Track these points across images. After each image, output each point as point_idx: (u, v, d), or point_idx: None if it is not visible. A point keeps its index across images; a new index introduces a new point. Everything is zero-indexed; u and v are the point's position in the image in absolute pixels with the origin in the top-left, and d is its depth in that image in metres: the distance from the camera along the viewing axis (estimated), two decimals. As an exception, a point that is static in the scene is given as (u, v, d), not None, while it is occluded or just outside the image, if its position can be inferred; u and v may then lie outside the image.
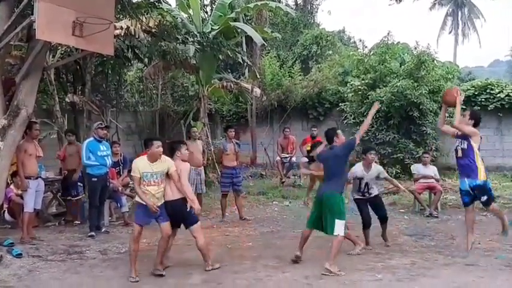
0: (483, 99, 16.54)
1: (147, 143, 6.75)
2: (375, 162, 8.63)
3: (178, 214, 6.72)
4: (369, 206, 8.41)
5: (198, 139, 11.63)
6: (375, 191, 8.44)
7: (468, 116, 7.75)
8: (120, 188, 10.15)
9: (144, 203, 6.51)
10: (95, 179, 9.17)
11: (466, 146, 7.53)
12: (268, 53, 21.56)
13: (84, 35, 6.88)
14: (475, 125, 7.71)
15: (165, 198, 6.67)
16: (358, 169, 8.31)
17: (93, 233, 8.97)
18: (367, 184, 8.31)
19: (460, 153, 7.61)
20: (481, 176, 7.47)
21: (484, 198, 7.54)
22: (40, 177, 9.08)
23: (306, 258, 7.27)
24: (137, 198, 6.68)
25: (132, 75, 18.85)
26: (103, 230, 9.36)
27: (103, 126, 9.63)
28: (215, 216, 11.01)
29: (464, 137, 7.55)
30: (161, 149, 6.65)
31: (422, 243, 8.52)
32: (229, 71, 20.11)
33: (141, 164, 6.62)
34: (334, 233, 6.72)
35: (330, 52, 23.03)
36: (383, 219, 8.43)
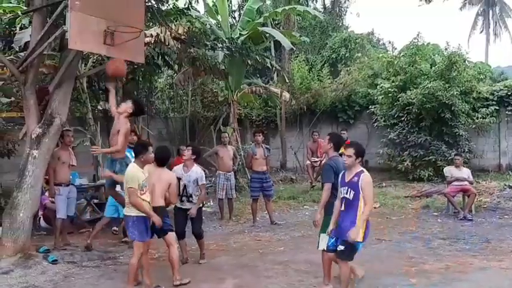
0: (516, 99, 16.20)
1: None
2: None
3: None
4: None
5: (229, 144, 11.70)
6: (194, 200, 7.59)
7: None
8: None
9: (143, 216, 6.16)
10: None
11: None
12: (297, 57, 21.54)
13: (115, 43, 6.98)
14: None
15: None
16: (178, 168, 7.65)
17: (127, 239, 9.05)
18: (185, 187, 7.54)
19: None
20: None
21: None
22: (72, 184, 9.16)
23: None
24: (133, 212, 6.19)
25: (162, 82, 19.01)
26: None
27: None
28: (246, 221, 11.04)
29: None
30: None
31: (457, 246, 8.39)
32: (258, 75, 20.14)
33: (139, 174, 6.20)
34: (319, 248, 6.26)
35: (359, 55, 22.87)
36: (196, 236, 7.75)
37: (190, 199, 7.48)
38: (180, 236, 7.34)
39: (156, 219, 6.18)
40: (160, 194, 6.56)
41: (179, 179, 7.26)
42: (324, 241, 6.06)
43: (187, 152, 7.56)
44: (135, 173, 6.15)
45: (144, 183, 6.16)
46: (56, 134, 7.72)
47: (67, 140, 8.80)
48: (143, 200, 6.11)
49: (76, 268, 7.39)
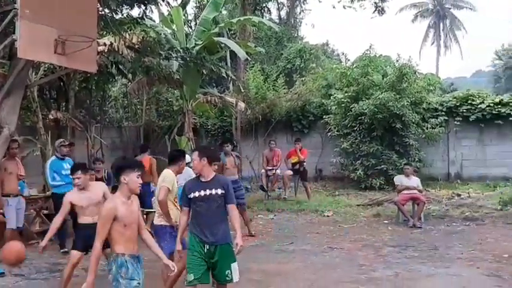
0: (464, 110, 16.72)
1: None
2: None
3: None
4: None
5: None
6: None
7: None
8: None
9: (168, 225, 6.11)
10: (62, 199, 9.06)
11: None
12: (253, 66, 21.65)
13: (66, 53, 6.89)
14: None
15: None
16: None
17: (66, 249, 8.87)
18: None
19: None
20: None
21: None
22: (21, 195, 8.97)
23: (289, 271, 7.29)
24: (161, 221, 6.15)
25: (116, 91, 18.82)
26: None
27: (66, 144, 9.47)
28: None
29: None
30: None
31: (406, 254, 8.59)
32: (214, 85, 20.17)
33: (175, 181, 6.20)
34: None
35: (314, 65, 23.19)
36: None
37: None
38: None
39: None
40: None
41: None
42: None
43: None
44: (173, 178, 6.20)
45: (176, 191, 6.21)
46: (4, 144, 7.57)
47: (12, 151, 8.58)
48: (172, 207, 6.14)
49: (24, 281, 7.28)
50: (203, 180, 5.22)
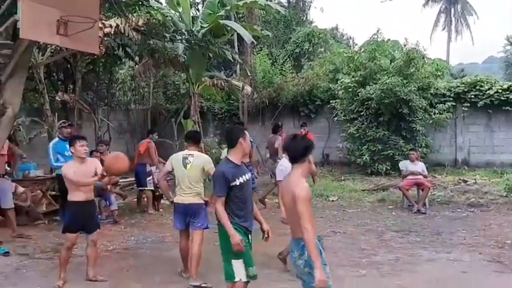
0: (473, 96, 16.61)
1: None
2: None
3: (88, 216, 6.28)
4: None
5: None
6: None
7: None
8: (108, 187, 10.14)
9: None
10: None
11: None
12: (260, 50, 21.60)
13: (68, 34, 6.86)
14: None
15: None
16: None
17: None
18: None
19: None
20: None
21: None
22: (4, 175, 8.77)
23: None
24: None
25: (123, 74, 18.86)
26: None
27: (66, 125, 9.46)
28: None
29: None
30: None
31: (408, 239, 8.58)
32: (222, 68, 20.15)
33: None
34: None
35: (322, 49, 23.06)
36: None
37: None
38: None
39: None
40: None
41: None
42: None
43: None
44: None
45: None
46: (8, 124, 7.60)
47: None
48: None
49: (28, 260, 7.31)
50: (238, 164, 4.78)
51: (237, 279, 4.61)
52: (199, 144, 6.42)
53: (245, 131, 4.95)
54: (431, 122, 15.98)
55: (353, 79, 16.23)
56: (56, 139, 9.41)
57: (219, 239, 4.76)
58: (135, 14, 11.71)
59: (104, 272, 6.55)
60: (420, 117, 15.70)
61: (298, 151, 4.04)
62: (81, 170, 6.08)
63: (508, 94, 16.31)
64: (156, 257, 7.45)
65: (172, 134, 16.84)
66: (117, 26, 11.43)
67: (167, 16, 14.09)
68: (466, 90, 16.76)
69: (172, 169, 6.35)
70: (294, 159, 4.07)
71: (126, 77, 18.88)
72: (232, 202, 4.68)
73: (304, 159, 4.03)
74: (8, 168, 9.03)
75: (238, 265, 4.61)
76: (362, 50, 17.75)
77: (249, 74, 17.11)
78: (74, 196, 6.08)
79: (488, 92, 16.44)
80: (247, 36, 13.66)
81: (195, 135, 6.69)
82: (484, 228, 9.26)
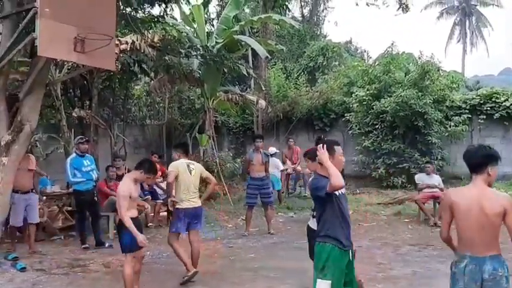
0: (488, 108, 16.48)
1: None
2: None
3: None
4: None
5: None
6: None
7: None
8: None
9: None
10: (83, 196, 9.19)
11: None
12: (275, 65, 21.67)
13: (85, 51, 6.96)
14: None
15: None
16: None
17: (87, 245, 9.01)
18: None
19: None
20: None
21: None
22: (32, 190, 8.73)
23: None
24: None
25: (139, 89, 19.01)
26: (106, 245, 9.13)
27: (83, 141, 9.49)
28: (222, 227, 11.04)
29: None
30: None
31: (425, 252, 8.52)
32: (236, 83, 20.25)
33: None
34: None
35: (336, 63, 23.07)
36: None
37: None
38: None
39: None
40: None
41: None
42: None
43: None
44: None
45: None
46: (25, 141, 7.67)
47: None
48: None
49: (45, 276, 7.35)
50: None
51: None
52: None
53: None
54: (447, 134, 15.88)
55: (368, 92, 16.22)
56: (74, 155, 9.46)
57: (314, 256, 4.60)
58: (150, 31, 11.85)
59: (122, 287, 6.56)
60: (436, 130, 15.61)
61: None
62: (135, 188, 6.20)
63: (524, 106, 16.14)
64: (171, 272, 7.45)
65: (187, 149, 16.88)
66: (133, 42, 11.61)
67: (182, 32, 14.24)
68: (481, 102, 16.64)
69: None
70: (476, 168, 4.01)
71: (142, 93, 19.02)
72: (334, 215, 4.43)
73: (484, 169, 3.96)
74: None
75: (323, 286, 4.40)
76: (376, 63, 17.77)
77: (264, 88, 17.17)
78: (130, 213, 6.00)
79: (504, 103, 16.30)
80: (261, 51, 13.76)
81: (187, 146, 8.02)
82: (501, 242, 9.13)
